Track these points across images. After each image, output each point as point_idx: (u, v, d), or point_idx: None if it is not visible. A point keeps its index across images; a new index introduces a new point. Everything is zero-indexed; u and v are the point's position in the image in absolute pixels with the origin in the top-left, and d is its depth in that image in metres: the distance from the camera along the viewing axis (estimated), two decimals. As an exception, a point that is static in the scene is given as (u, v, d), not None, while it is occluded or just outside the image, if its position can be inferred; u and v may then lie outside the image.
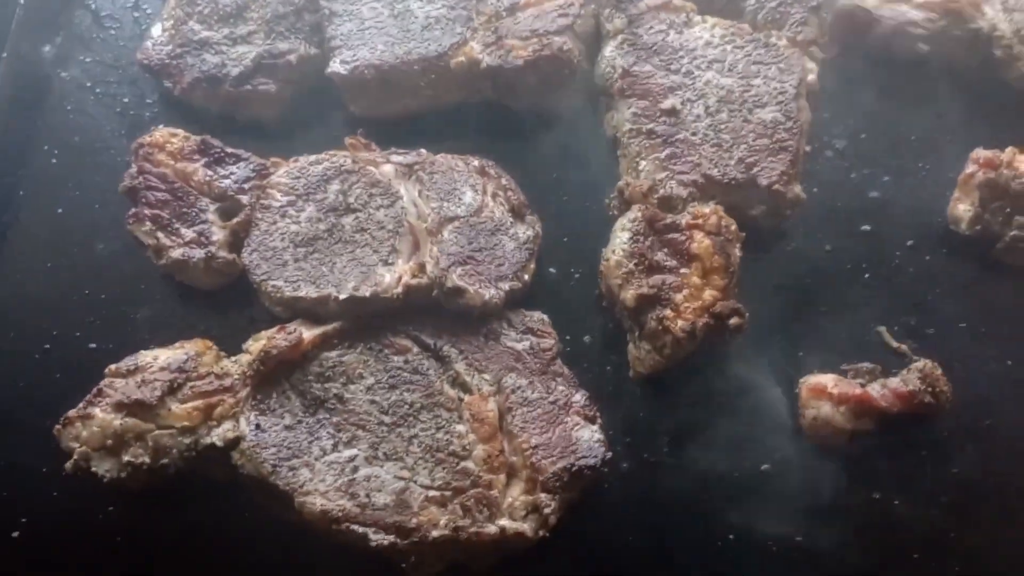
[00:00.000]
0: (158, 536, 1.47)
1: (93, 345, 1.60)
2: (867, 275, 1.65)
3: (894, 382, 1.50)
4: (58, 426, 1.42)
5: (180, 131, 1.68)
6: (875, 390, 1.49)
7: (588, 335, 1.61)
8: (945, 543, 1.43)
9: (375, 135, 1.72)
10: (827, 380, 1.50)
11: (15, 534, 1.46)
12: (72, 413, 1.42)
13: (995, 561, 1.42)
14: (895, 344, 1.57)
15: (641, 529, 1.45)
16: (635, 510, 1.47)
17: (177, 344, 1.50)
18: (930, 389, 1.47)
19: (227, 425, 1.41)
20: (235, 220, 1.61)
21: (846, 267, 1.66)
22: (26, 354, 1.59)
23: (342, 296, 1.49)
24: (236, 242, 1.60)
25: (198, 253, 1.58)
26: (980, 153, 1.63)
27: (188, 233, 1.60)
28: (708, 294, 1.53)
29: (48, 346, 1.60)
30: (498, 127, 1.80)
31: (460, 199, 1.61)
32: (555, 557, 1.42)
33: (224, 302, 1.63)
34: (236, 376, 1.45)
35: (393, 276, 1.52)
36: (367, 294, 1.49)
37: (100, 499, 1.47)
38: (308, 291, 1.51)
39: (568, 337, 1.59)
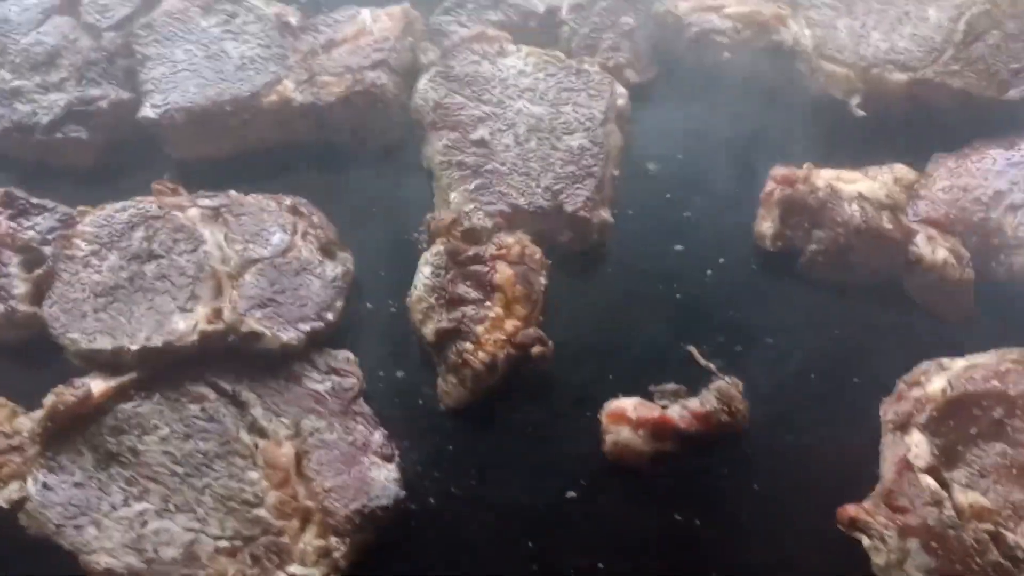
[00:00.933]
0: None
1: None
2: (679, 295, 1.66)
3: (693, 403, 1.51)
4: None
5: (-17, 186, 1.66)
6: (675, 412, 1.50)
7: (401, 370, 1.61)
8: (746, 561, 1.44)
9: (198, 177, 1.72)
10: (627, 404, 1.51)
11: None
12: None
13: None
14: (703, 362, 1.59)
15: (448, 564, 1.45)
16: (442, 546, 1.46)
17: (-30, 404, 1.48)
18: (726, 408, 1.49)
19: (14, 486, 1.40)
20: (37, 272, 1.59)
21: (658, 288, 1.67)
22: None
23: (135, 347, 1.48)
24: (39, 294, 1.58)
25: (-2, 307, 1.56)
26: (778, 170, 1.66)
27: (-14, 289, 1.58)
28: (510, 324, 1.54)
29: None
30: (322, 162, 1.80)
31: (267, 240, 1.61)
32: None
33: (29, 359, 1.61)
34: (25, 434, 1.43)
35: (188, 323, 1.50)
36: (159, 343, 1.48)
37: None
38: (104, 343, 1.50)
39: (381, 373, 1.59)
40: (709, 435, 1.50)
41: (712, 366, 1.58)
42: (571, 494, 1.49)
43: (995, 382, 1.40)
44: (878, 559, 1.33)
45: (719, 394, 1.50)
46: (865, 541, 1.35)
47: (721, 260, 1.70)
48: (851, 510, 1.38)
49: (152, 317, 1.52)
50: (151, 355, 1.49)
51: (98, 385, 1.46)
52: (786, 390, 1.57)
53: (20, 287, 1.58)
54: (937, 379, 1.43)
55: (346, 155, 1.81)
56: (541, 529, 1.47)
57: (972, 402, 1.39)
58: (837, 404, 1.55)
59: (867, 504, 1.38)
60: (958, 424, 1.39)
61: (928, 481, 1.34)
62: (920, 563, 1.30)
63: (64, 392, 1.44)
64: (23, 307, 1.57)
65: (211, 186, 1.69)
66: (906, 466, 1.37)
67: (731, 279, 1.68)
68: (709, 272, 1.69)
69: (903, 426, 1.41)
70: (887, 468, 1.40)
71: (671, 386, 1.55)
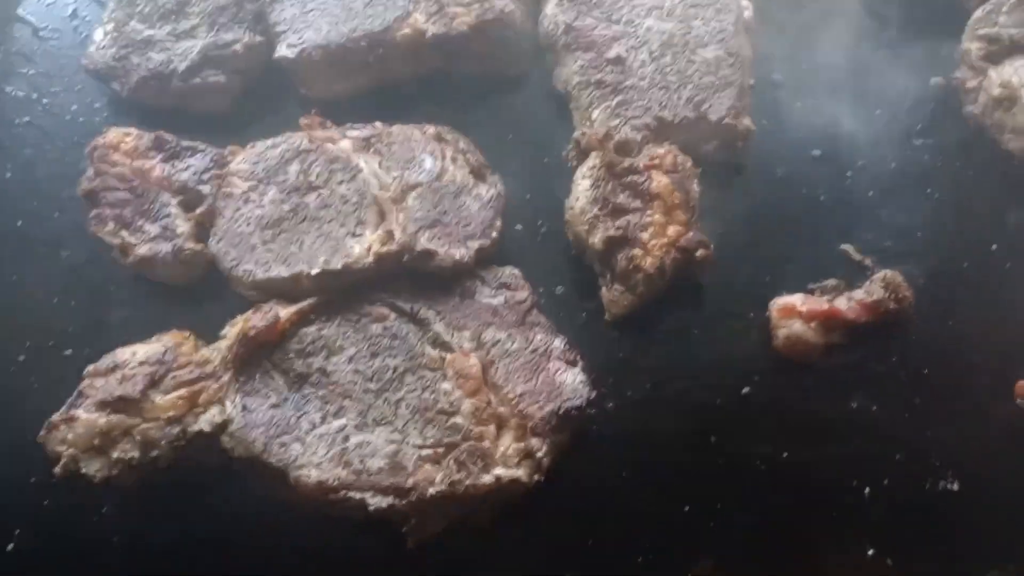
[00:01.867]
0: (155, 533, 1.46)
1: (69, 352, 1.59)
2: (822, 197, 1.70)
3: (859, 294, 1.55)
4: (42, 432, 1.41)
5: (133, 130, 1.68)
6: (842, 304, 1.54)
7: (560, 286, 1.64)
8: (923, 444, 1.48)
9: (329, 114, 1.73)
10: (796, 299, 1.54)
11: (10, 547, 1.45)
12: (55, 418, 1.41)
13: (972, 454, 1.46)
14: (858, 257, 1.62)
15: (633, 464, 1.48)
16: (625, 446, 1.50)
17: (154, 338, 1.50)
18: (893, 296, 1.52)
19: (213, 410, 1.42)
20: (198, 211, 1.62)
21: (801, 192, 1.70)
22: (1, 367, 1.58)
23: (314, 271, 1.50)
24: (202, 233, 1.61)
25: (165, 247, 1.58)
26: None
27: (153, 229, 1.60)
28: (673, 230, 1.56)
29: (23, 357, 1.59)
30: (451, 95, 1.82)
31: (420, 166, 1.63)
32: (553, 501, 1.44)
33: (197, 296, 1.63)
34: (217, 362, 1.46)
35: (363, 246, 1.53)
36: (339, 266, 1.50)
37: (93, 502, 1.47)
38: (280, 271, 1.52)
39: (541, 290, 1.61)
40: (877, 324, 1.53)
41: (867, 260, 1.61)
42: (746, 390, 1.53)
43: None
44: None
45: (885, 283, 1.54)
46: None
47: (860, 162, 1.73)
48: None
49: (324, 243, 1.54)
50: (330, 279, 1.51)
51: (282, 311, 1.48)
52: (940, 278, 1.60)
53: (183, 226, 1.60)
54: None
55: (475, 85, 1.83)
56: (721, 424, 1.50)
57: None
58: (993, 289, 1.59)
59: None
60: None
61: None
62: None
63: (252, 318, 1.46)
64: (190, 244, 1.59)
65: (350, 122, 1.71)
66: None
67: (871, 179, 1.71)
68: (849, 174, 1.72)
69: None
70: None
71: (831, 282, 1.59)
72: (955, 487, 1.44)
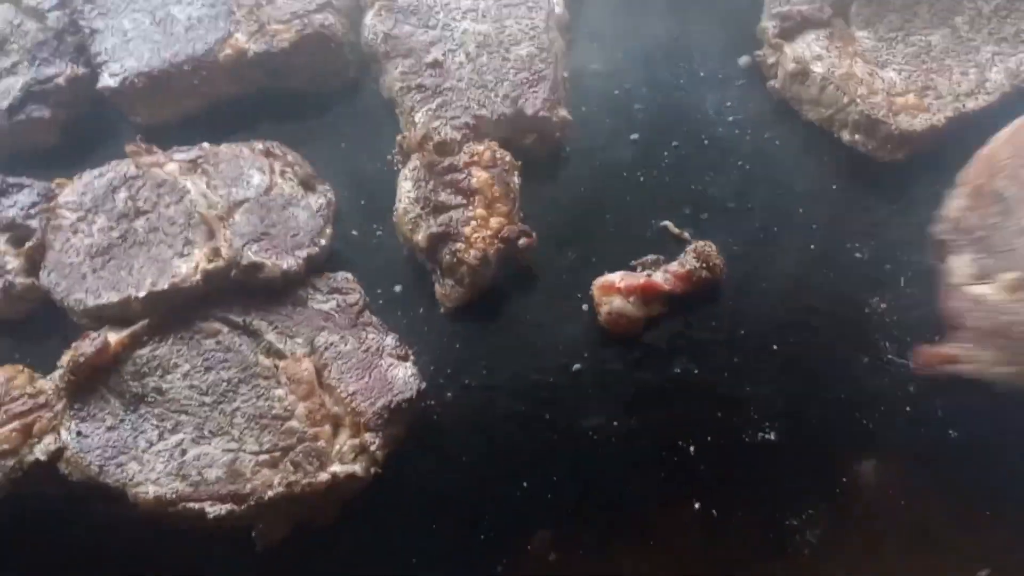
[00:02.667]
0: (7, 566, 1.47)
1: None
2: (642, 178, 1.78)
3: (674, 266, 1.63)
4: None
5: (-46, 172, 1.68)
6: (659, 276, 1.62)
7: (398, 285, 1.69)
8: (742, 399, 1.57)
9: (161, 138, 1.76)
10: (615, 277, 1.62)
11: None
12: None
13: (786, 406, 1.56)
14: (676, 231, 1.70)
15: (472, 449, 1.54)
16: (465, 433, 1.56)
17: (-14, 374, 1.51)
18: (704, 265, 1.61)
19: (48, 439, 1.44)
20: (27, 245, 1.63)
21: (622, 174, 1.78)
22: None
23: (142, 294, 1.53)
24: (32, 267, 1.62)
25: (-7, 284, 1.59)
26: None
27: (-22, 267, 1.60)
28: (495, 222, 1.63)
29: None
30: (282, 110, 1.86)
31: (248, 182, 1.67)
32: (396, 493, 1.50)
33: (35, 330, 1.64)
34: (50, 392, 1.47)
35: (190, 265, 1.56)
36: (166, 286, 1.53)
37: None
38: (109, 296, 1.55)
39: (379, 291, 1.67)
40: (692, 292, 1.62)
41: (685, 233, 1.70)
42: (576, 366, 1.60)
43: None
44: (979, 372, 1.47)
45: (696, 254, 1.63)
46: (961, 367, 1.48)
47: (674, 143, 1.82)
48: (943, 351, 1.50)
49: (152, 266, 1.57)
50: (158, 300, 1.54)
51: (113, 335, 1.50)
52: (752, 244, 1.70)
53: (13, 262, 1.62)
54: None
55: (304, 99, 1.88)
56: (554, 401, 1.57)
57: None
58: (802, 251, 1.69)
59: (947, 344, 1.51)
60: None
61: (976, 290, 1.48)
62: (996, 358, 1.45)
63: (82, 345, 1.48)
64: (20, 279, 1.60)
65: (181, 145, 1.74)
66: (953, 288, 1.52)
67: (686, 158, 1.80)
68: (666, 154, 1.81)
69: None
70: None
71: (651, 257, 1.67)
72: (772, 437, 1.53)
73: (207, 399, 1.48)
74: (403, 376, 1.51)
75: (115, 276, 1.57)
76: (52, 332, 1.63)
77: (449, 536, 1.48)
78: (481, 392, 1.59)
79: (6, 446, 1.42)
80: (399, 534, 1.49)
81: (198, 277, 1.54)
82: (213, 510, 1.39)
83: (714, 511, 1.49)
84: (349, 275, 1.63)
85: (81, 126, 1.84)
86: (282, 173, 1.69)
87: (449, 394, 1.58)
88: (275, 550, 1.45)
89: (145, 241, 1.60)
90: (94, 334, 1.51)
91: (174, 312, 1.56)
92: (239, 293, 1.58)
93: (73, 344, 1.51)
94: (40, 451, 1.42)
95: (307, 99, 1.88)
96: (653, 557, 1.46)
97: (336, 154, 1.82)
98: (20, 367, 1.52)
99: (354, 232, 1.74)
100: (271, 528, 1.44)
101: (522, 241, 1.62)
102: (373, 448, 1.44)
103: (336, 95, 1.89)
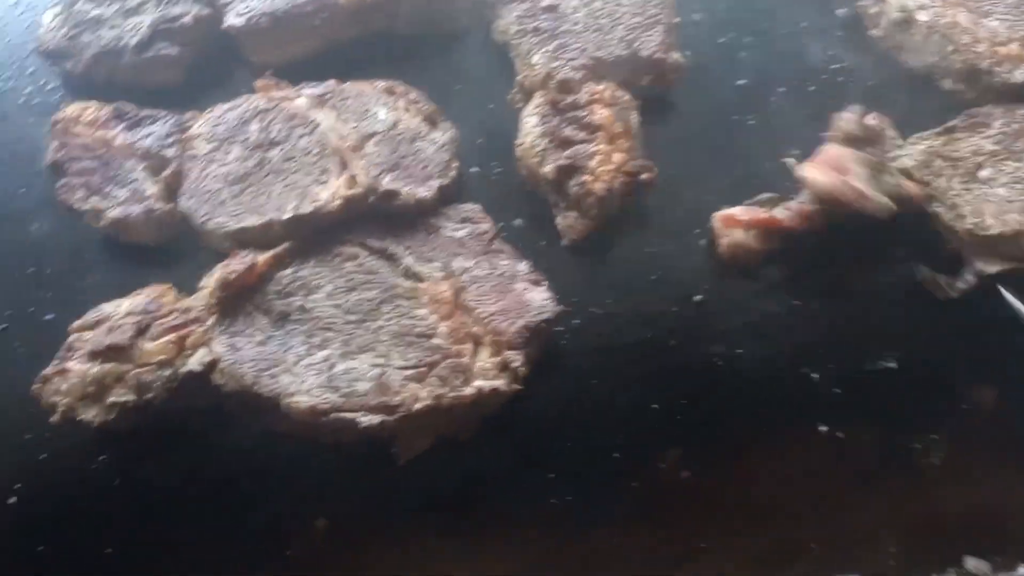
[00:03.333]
0: (154, 476, 1.51)
1: (50, 316, 1.63)
2: (751, 121, 1.84)
3: (793, 203, 1.68)
4: (36, 385, 1.46)
5: (92, 102, 1.73)
6: (780, 212, 1.67)
7: (519, 219, 1.74)
8: (862, 330, 1.62)
9: (281, 77, 1.80)
10: (736, 210, 1.67)
11: (11, 500, 1.49)
12: (48, 371, 1.47)
13: (906, 335, 1.61)
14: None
15: (601, 373, 1.59)
16: (593, 358, 1.60)
17: (134, 292, 1.56)
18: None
19: (201, 352, 1.48)
20: (165, 173, 1.68)
21: (731, 117, 1.84)
22: (-17, 338, 1.62)
23: (285, 217, 1.58)
24: (170, 193, 1.67)
25: (136, 208, 1.64)
26: None
27: (122, 193, 1.66)
28: (617, 156, 1.68)
29: (4, 326, 1.63)
30: (397, 53, 1.92)
31: (375, 117, 1.72)
32: (530, 411, 1.54)
33: (168, 256, 1.69)
34: (200, 308, 1.52)
35: (329, 192, 1.61)
36: (308, 211, 1.58)
37: (89, 451, 1.52)
38: (251, 220, 1.60)
39: (501, 224, 1.71)
40: (811, 231, 1.67)
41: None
42: (698, 297, 1.65)
43: None
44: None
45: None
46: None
47: (781, 89, 1.88)
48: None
49: (291, 192, 1.62)
50: (300, 223, 1.59)
51: (259, 256, 1.55)
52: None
53: (151, 188, 1.67)
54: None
55: (413, 43, 1.93)
56: (678, 329, 1.62)
57: None
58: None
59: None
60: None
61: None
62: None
63: (231, 263, 1.53)
64: (160, 205, 1.65)
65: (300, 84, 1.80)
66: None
67: (792, 103, 1.86)
68: (772, 99, 1.86)
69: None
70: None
71: (767, 196, 1.72)
72: (893, 365, 1.58)
73: (351, 317, 1.53)
74: (539, 299, 1.56)
75: (254, 201, 1.62)
76: (184, 257, 1.69)
77: (583, 454, 1.53)
78: (607, 320, 1.64)
79: (163, 357, 1.47)
80: (534, 450, 1.53)
81: (337, 203, 1.59)
82: (365, 420, 1.43)
83: (839, 433, 1.54)
84: (477, 206, 1.68)
85: (204, 65, 1.88)
86: (406, 109, 1.75)
87: (576, 321, 1.63)
88: (415, 463, 1.50)
89: (281, 170, 1.65)
90: (243, 253, 1.55)
91: (313, 237, 1.60)
92: (374, 220, 1.63)
93: (221, 264, 1.56)
94: (194, 362, 1.47)
95: (420, 43, 1.93)
96: (784, 476, 1.51)
97: (451, 95, 1.87)
98: (167, 286, 1.57)
99: (474, 169, 1.79)
100: (413, 441, 1.49)
101: (644, 176, 1.67)
102: (516, 365, 1.49)
103: (448, 39, 1.94)
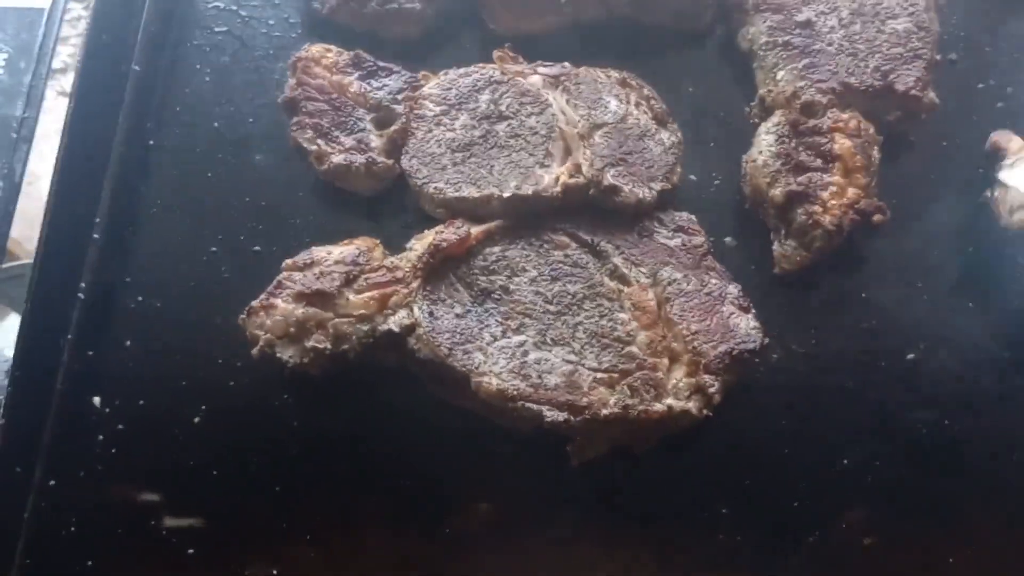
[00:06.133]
0: (330, 426, 1.54)
1: (257, 248, 1.67)
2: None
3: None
4: (243, 316, 1.50)
5: (333, 47, 1.75)
6: (1018, 283, 1.55)
7: (730, 237, 1.67)
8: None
9: (515, 50, 1.78)
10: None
11: (196, 419, 1.54)
12: (256, 304, 1.50)
13: None
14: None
15: (793, 414, 1.52)
16: (786, 396, 1.54)
17: (345, 241, 1.58)
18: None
19: (402, 313, 1.49)
20: (391, 129, 1.68)
21: (978, 171, 1.71)
22: (194, 256, 1.67)
23: (505, 194, 1.56)
24: (393, 149, 1.67)
25: (359, 158, 1.65)
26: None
27: (348, 140, 1.67)
28: (852, 192, 1.59)
29: (215, 249, 1.67)
30: (634, 43, 1.85)
31: (606, 107, 1.67)
32: (712, 439, 1.49)
33: (378, 209, 1.70)
34: (407, 269, 1.52)
35: (551, 176, 1.58)
36: (529, 192, 1.56)
37: (274, 389, 1.56)
38: (470, 191, 1.58)
39: (712, 239, 1.65)
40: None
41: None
42: (911, 356, 1.55)
43: None
44: None
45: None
46: None
47: (1039, 148, 1.73)
48: None
49: (514, 170, 1.60)
50: (518, 203, 1.57)
51: (473, 227, 1.54)
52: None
53: (376, 141, 1.68)
54: None
55: (659, 36, 1.86)
56: (883, 385, 1.53)
57: None
58: None
59: None
60: None
61: None
62: None
63: (445, 231, 1.53)
64: (382, 159, 1.66)
65: (535, 60, 1.77)
66: None
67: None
68: (1026, 157, 1.72)
69: None
70: None
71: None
72: (1116, 471, 1.45)
73: (551, 307, 1.51)
74: (745, 327, 1.49)
75: (475, 173, 1.60)
76: (391, 214, 1.69)
77: (761, 496, 1.47)
78: (807, 360, 1.56)
79: (364, 311, 1.48)
80: (710, 480, 1.48)
81: (559, 189, 1.56)
82: (551, 415, 1.41)
83: (1046, 534, 1.42)
84: (693, 216, 1.62)
85: (440, 27, 1.88)
86: (637, 104, 1.69)
87: (775, 356, 1.56)
88: (586, 465, 1.47)
89: (506, 145, 1.63)
90: (458, 222, 1.55)
91: (525, 219, 1.58)
92: (589, 213, 1.60)
93: (431, 230, 1.56)
94: (394, 323, 1.48)
95: (660, 36, 1.86)
96: (979, 560, 1.41)
97: (682, 96, 1.80)
98: (376, 241, 1.58)
99: (692, 176, 1.73)
100: (590, 445, 1.46)
101: (877, 217, 1.57)
102: (711, 391, 1.44)
103: (689, 38, 1.87)
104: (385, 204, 1.71)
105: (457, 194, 1.59)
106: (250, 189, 1.73)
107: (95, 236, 1.67)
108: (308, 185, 1.73)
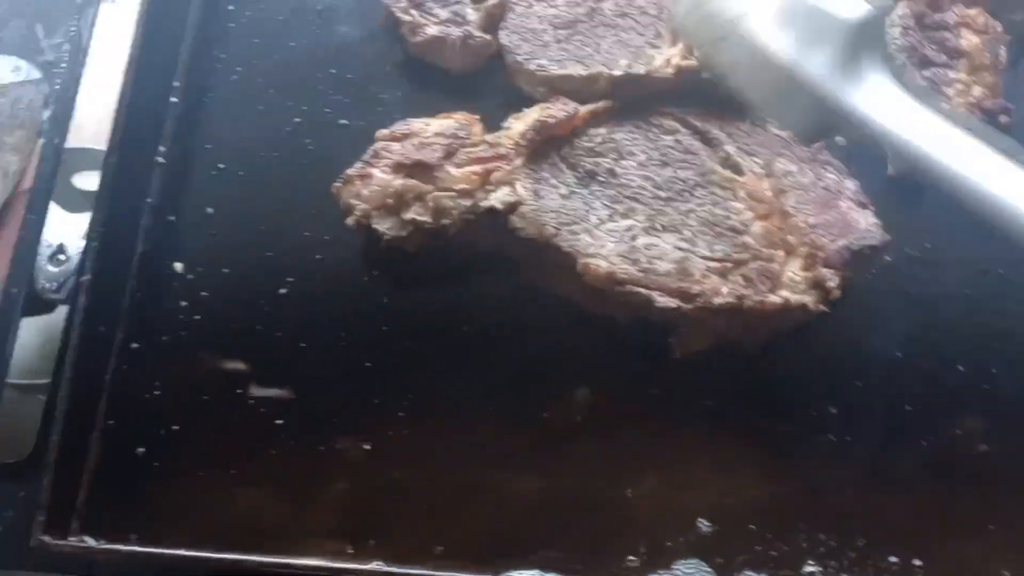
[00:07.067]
0: (421, 305, 1.48)
1: (344, 122, 1.60)
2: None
3: None
4: (337, 184, 1.43)
5: (428, -86, 1.65)
6: None
7: (841, 136, 1.59)
8: None
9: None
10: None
11: (282, 291, 1.48)
12: (351, 172, 1.43)
13: None
14: None
15: (906, 317, 1.45)
16: (899, 300, 1.47)
17: (443, 115, 1.50)
18: None
19: (504, 190, 1.41)
20: (489, 2, 1.59)
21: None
22: (277, 126, 1.59)
23: (616, 73, 1.48)
24: (490, 24, 1.59)
25: (455, 31, 1.57)
26: None
27: (443, 13, 1.58)
28: (978, 90, 1.51)
29: (298, 120, 1.60)
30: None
31: (717, -10, 1.58)
32: (824, 338, 1.43)
33: (468, 88, 1.62)
34: (509, 146, 1.45)
35: (663, 57, 1.50)
36: (641, 72, 1.48)
37: (364, 265, 1.49)
38: (576, 69, 1.50)
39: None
40: None
41: None
42: (1030, 263, 1.48)
43: None
44: None
45: None
46: None
47: None
48: None
49: (623, 49, 1.51)
50: (627, 83, 1.49)
51: (581, 107, 1.46)
52: None
53: (473, 15, 1.59)
54: None
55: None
56: (1007, 291, 1.46)
57: None
58: None
59: None
60: None
61: None
62: None
63: (551, 108, 1.45)
64: (479, 33, 1.57)
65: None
66: None
67: None
68: None
69: None
70: None
71: None
72: None
73: (661, 193, 1.43)
74: (865, 222, 1.42)
75: (581, 51, 1.52)
76: (485, 93, 1.61)
77: (872, 397, 1.41)
78: (923, 265, 1.49)
79: (465, 186, 1.41)
80: (820, 380, 1.42)
81: (671, 70, 1.48)
82: (662, 300, 1.35)
83: None
84: (807, 109, 1.54)
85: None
86: (749, -9, 1.60)
87: (887, 258, 1.49)
88: (688, 359, 1.41)
89: (613, 24, 1.55)
90: (564, 100, 1.46)
91: (633, 101, 1.50)
92: (699, 99, 1.51)
93: (536, 106, 1.48)
94: (496, 199, 1.40)
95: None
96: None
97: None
98: (476, 116, 1.50)
99: (801, 72, 1.64)
100: (695, 337, 1.40)
101: (1003, 118, 1.50)
102: (830, 285, 1.37)
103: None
104: (474, 83, 1.62)
105: (562, 72, 1.51)
106: (335, 61, 1.65)
107: (173, 100, 1.59)
108: (395, 60, 1.65)
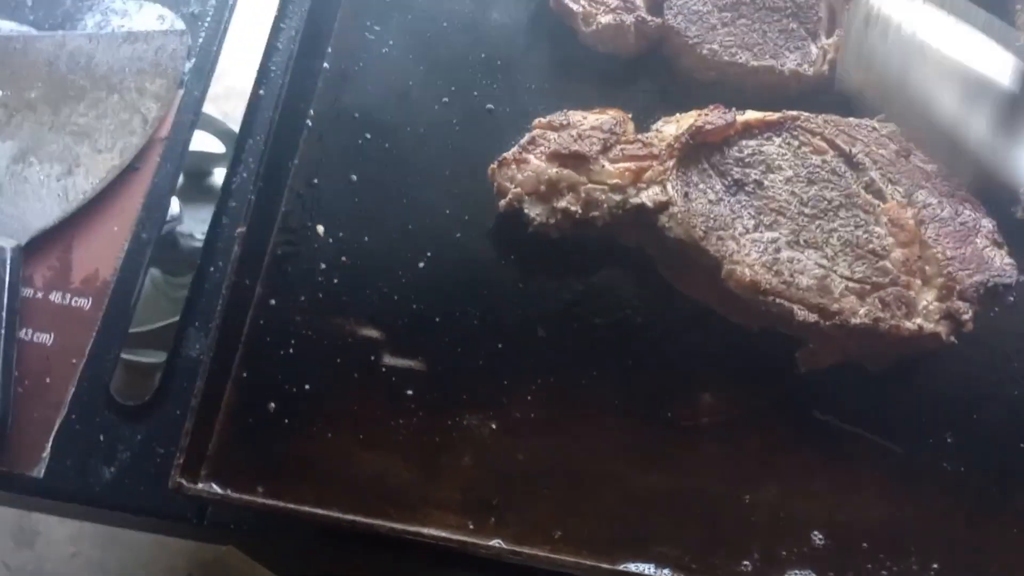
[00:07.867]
0: (551, 295, 1.51)
1: (490, 106, 1.62)
2: None
3: None
4: (493, 166, 1.46)
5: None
6: None
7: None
8: None
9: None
10: None
11: (421, 264, 1.50)
12: (508, 156, 1.45)
13: None
14: None
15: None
16: (1018, 340, 1.50)
17: (598, 109, 1.53)
18: None
19: (655, 189, 1.44)
20: (655, -17, 1.62)
21: None
22: (424, 103, 1.62)
23: (787, 68, 1.52)
24: (654, 7, 1.61)
25: (627, 17, 1.59)
26: None
27: (612, 1, 1.61)
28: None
29: (446, 99, 1.62)
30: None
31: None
32: (940, 368, 1.47)
33: (614, 83, 1.65)
34: (661, 147, 1.47)
35: (818, 50, 1.54)
36: (810, 73, 1.52)
37: (502, 248, 1.52)
38: (744, 57, 1.54)
39: (959, 175, 1.61)
40: None
41: None
42: None
43: None
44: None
45: None
46: None
47: None
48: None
49: (786, 40, 1.55)
50: (794, 81, 1.52)
51: (741, 115, 1.49)
52: None
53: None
54: None
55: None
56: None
57: None
58: None
59: None
60: None
61: None
62: None
63: (711, 114, 1.48)
64: (651, 17, 1.59)
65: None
66: None
67: None
68: None
69: None
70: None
71: None
72: None
73: (806, 209, 1.46)
74: (1000, 261, 1.45)
75: (748, 37, 1.55)
76: (631, 93, 1.64)
77: (990, 432, 1.45)
78: (1043, 309, 1.52)
79: (618, 181, 1.44)
80: (940, 407, 1.46)
81: (826, 67, 1.52)
82: (802, 314, 1.38)
83: None
84: (949, 145, 1.57)
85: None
86: None
87: (1011, 298, 1.52)
88: (813, 373, 1.44)
89: (777, 8, 1.58)
90: (722, 108, 1.49)
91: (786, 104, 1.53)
92: (844, 121, 1.55)
93: (690, 112, 1.51)
94: (647, 197, 1.43)
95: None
96: None
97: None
98: (628, 115, 1.53)
99: (937, 107, 1.67)
100: (823, 354, 1.43)
101: None
102: (964, 318, 1.40)
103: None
104: (621, 80, 1.66)
105: (732, 59, 1.54)
106: (486, 46, 1.67)
107: (325, 65, 1.62)
108: (544, 50, 1.68)
